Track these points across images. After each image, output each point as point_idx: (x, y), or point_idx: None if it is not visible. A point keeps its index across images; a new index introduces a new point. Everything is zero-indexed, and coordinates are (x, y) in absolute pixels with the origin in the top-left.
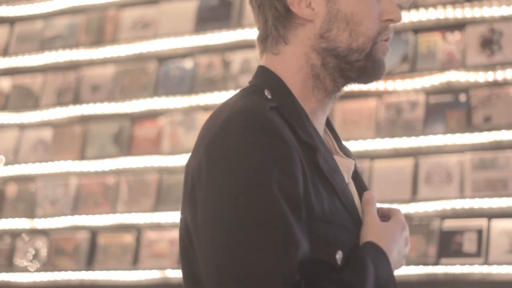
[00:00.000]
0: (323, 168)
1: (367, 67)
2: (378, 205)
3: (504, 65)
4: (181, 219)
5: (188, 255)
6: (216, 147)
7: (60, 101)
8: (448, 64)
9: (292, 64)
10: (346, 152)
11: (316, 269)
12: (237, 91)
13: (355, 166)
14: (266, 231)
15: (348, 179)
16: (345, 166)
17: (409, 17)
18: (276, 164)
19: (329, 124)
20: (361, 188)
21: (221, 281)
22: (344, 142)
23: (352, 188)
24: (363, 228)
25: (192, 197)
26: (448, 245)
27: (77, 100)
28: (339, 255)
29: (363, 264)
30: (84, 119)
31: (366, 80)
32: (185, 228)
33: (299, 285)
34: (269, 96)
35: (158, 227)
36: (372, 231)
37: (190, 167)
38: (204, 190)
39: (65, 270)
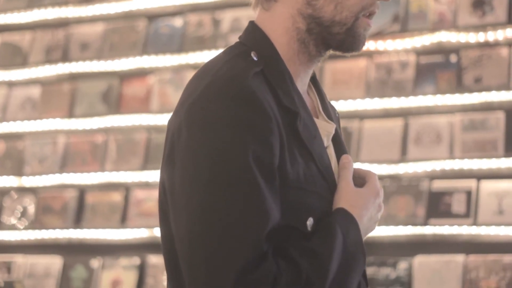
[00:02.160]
0: (302, 135)
1: (346, 41)
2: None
3: (495, 26)
4: (160, 180)
5: (165, 216)
6: (196, 113)
7: (49, 59)
8: (439, 25)
9: (280, 25)
10: (329, 113)
11: (285, 235)
12: None
13: (337, 129)
14: (238, 200)
15: (327, 142)
16: (325, 130)
17: None
18: (253, 134)
19: (315, 84)
20: (341, 151)
21: (190, 245)
22: (333, 102)
23: (331, 151)
24: (336, 193)
25: (170, 158)
26: (437, 206)
27: (65, 58)
28: (309, 222)
29: (332, 232)
30: (73, 77)
31: (344, 52)
32: (163, 189)
33: (266, 254)
34: (255, 58)
35: (146, 185)
36: (345, 198)
37: (170, 127)
38: (182, 153)
39: (53, 228)
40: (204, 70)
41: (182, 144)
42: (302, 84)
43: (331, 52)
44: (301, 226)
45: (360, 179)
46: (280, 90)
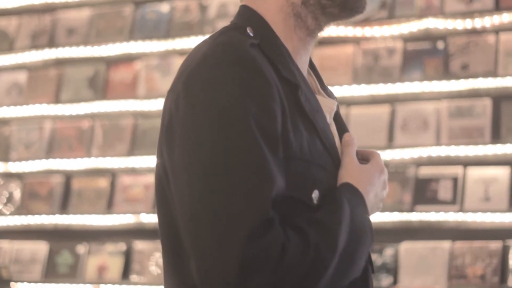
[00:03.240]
0: (305, 107)
1: (349, 0)
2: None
3: (482, 12)
4: (157, 164)
5: (165, 197)
6: (195, 81)
7: (35, 44)
8: (427, 11)
9: (272, 4)
10: (328, 94)
11: (291, 207)
12: None
13: (338, 107)
14: (241, 166)
15: (330, 119)
16: (328, 106)
17: None
18: (254, 100)
19: (312, 65)
20: (342, 129)
21: (194, 215)
22: None
23: (333, 129)
24: (341, 169)
25: (169, 131)
26: (423, 192)
27: (52, 43)
28: (315, 194)
29: (339, 205)
30: (59, 63)
31: (348, 15)
32: (163, 170)
33: (273, 221)
34: (251, 34)
35: (133, 171)
36: (350, 173)
37: (167, 103)
38: (181, 124)
39: (39, 214)
40: (200, 44)
41: (181, 115)
42: (302, 62)
43: (330, 25)
44: (307, 199)
45: (363, 160)
46: (279, 63)
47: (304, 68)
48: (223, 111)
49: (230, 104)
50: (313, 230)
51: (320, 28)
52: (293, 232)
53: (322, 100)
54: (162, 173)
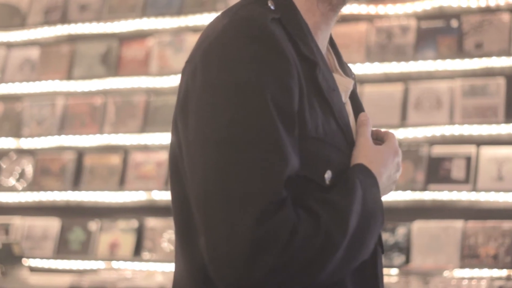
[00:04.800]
0: (322, 85)
1: None
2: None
3: None
4: (172, 141)
5: (179, 175)
6: (213, 54)
7: (48, 20)
8: None
9: None
10: (346, 71)
11: (304, 187)
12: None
13: (354, 85)
14: (256, 143)
15: (345, 98)
16: (344, 85)
17: None
18: (273, 77)
19: (331, 42)
20: (358, 108)
21: (207, 191)
22: None
23: (349, 108)
24: (355, 149)
25: (184, 103)
26: (436, 171)
27: (64, 19)
28: (328, 175)
29: (351, 186)
30: (72, 39)
31: None
32: (178, 146)
33: (285, 201)
34: (272, 7)
35: (145, 148)
36: (364, 154)
37: (184, 73)
38: (197, 97)
39: (51, 190)
40: (220, 16)
41: (197, 88)
42: (323, 37)
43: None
44: (319, 179)
45: (378, 140)
46: (299, 40)
47: (324, 44)
48: (240, 88)
49: (248, 81)
50: (324, 212)
51: (344, 3)
52: (304, 213)
53: (339, 78)
54: (177, 150)
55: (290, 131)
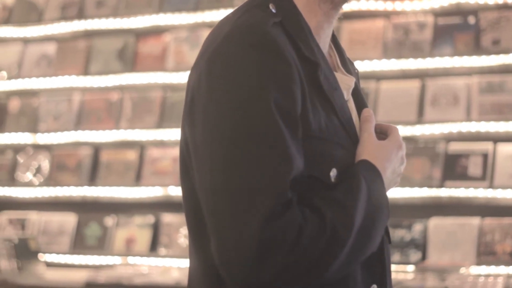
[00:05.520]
0: (323, 85)
1: None
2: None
3: None
4: (182, 137)
5: (187, 171)
6: (217, 62)
7: (64, 16)
8: None
9: None
10: (348, 68)
11: (309, 186)
12: None
13: (356, 83)
14: (261, 146)
15: (347, 96)
16: (345, 83)
17: None
18: (275, 81)
19: (334, 39)
20: (361, 105)
21: (214, 194)
22: None
23: (351, 105)
24: (359, 146)
25: (191, 109)
26: (453, 168)
27: (81, 14)
28: (333, 173)
29: (356, 183)
30: (88, 34)
31: None
32: (185, 145)
33: (291, 202)
34: (273, 10)
35: (161, 144)
36: (368, 149)
37: (190, 81)
38: (203, 103)
39: (67, 185)
40: (222, 22)
41: (203, 94)
42: (325, 36)
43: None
44: (325, 177)
45: (382, 134)
46: (300, 42)
47: (326, 42)
48: (244, 94)
49: (251, 87)
50: (330, 210)
51: (345, 1)
52: (310, 212)
53: (340, 77)
54: (184, 148)
55: (294, 134)
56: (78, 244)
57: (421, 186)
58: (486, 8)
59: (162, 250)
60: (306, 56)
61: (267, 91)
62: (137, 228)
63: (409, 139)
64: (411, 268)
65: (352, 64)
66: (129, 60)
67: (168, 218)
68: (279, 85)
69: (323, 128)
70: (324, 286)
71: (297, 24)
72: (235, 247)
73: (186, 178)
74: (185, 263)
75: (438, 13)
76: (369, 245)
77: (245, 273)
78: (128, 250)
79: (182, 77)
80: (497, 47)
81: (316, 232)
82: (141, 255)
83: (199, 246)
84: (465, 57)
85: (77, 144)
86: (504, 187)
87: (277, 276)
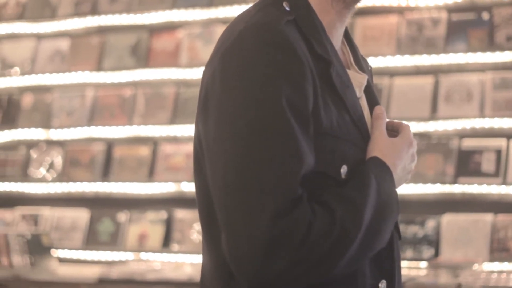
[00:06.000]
0: (335, 83)
1: None
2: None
3: None
4: (195, 133)
5: (200, 167)
6: (230, 59)
7: (78, 12)
8: None
9: None
10: (361, 65)
11: (320, 182)
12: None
13: (369, 80)
14: (272, 143)
15: (359, 93)
16: (357, 81)
17: None
18: (287, 79)
19: (347, 36)
20: (373, 102)
21: (225, 190)
22: None
23: (363, 102)
24: (370, 143)
25: (205, 105)
26: (466, 165)
27: (95, 10)
28: (343, 169)
29: (366, 180)
30: (102, 30)
31: None
32: (198, 141)
33: (301, 198)
34: (287, 8)
35: (174, 140)
36: (379, 147)
37: (204, 77)
38: (217, 99)
39: (80, 181)
40: (237, 20)
41: (216, 91)
42: (337, 34)
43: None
44: (335, 174)
45: (393, 131)
46: (313, 39)
47: (338, 40)
48: (257, 91)
49: (264, 85)
50: (339, 206)
51: (357, 0)
52: (320, 208)
53: (353, 74)
54: (198, 144)
55: (305, 131)
56: (91, 240)
57: (434, 182)
58: (500, 4)
59: (174, 246)
60: (319, 54)
61: (279, 89)
62: (150, 224)
63: (422, 135)
64: (424, 264)
65: (366, 61)
66: (142, 56)
67: (181, 214)
68: (291, 82)
69: (335, 125)
70: (333, 281)
71: (310, 22)
72: (245, 243)
73: (200, 174)
74: (198, 259)
75: (452, 9)
76: (378, 241)
77: (255, 268)
78: (141, 246)
79: (195, 73)
80: (511, 43)
81: (326, 228)
82: (154, 251)
83: (211, 242)
84: (479, 53)
85: (90, 140)
86: None
87: (286, 272)
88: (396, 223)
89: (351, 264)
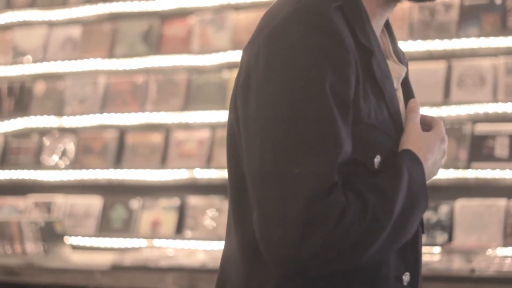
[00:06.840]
0: (376, 73)
1: None
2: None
3: None
4: (230, 117)
5: (236, 151)
6: (276, 40)
7: None
8: None
9: None
10: (399, 57)
11: (353, 169)
12: None
13: (406, 73)
14: (313, 128)
15: (397, 85)
16: (396, 72)
17: None
18: (332, 66)
19: (388, 26)
20: (408, 94)
21: (263, 172)
22: None
23: (400, 94)
24: (403, 135)
25: (246, 83)
26: (479, 149)
27: None
28: (377, 159)
29: (398, 171)
30: (113, 17)
31: None
32: (236, 123)
33: (336, 185)
34: None
35: (186, 127)
36: (412, 140)
37: (246, 55)
38: (259, 79)
39: (93, 168)
40: (282, 1)
41: (260, 71)
42: (376, 26)
43: None
44: (369, 163)
45: (426, 125)
46: (358, 27)
47: (378, 30)
48: (301, 74)
49: (308, 69)
50: (372, 195)
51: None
52: (353, 196)
53: (392, 65)
54: (234, 127)
55: (345, 118)
56: (104, 227)
57: (447, 167)
58: None
59: (187, 233)
60: (362, 43)
61: (324, 74)
62: (163, 211)
63: None
64: (437, 249)
65: (403, 53)
66: (154, 42)
67: (194, 200)
68: (335, 69)
69: (372, 115)
70: (358, 271)
71: (356, 9)
72: (277, 225)
73: (234, 156)
74: (211, 245)
75: None
76: (405, 234)
77: (285, 249)
78: (154, 232)
79: (207, 60)
80: None
81: (358, 216)
82: (167, 238)
83: (240, 222)
84: (492, 38)
85: (103, 127)
86: None
87: (317, 256)
88: (421, 217)
89: (378, 253)
